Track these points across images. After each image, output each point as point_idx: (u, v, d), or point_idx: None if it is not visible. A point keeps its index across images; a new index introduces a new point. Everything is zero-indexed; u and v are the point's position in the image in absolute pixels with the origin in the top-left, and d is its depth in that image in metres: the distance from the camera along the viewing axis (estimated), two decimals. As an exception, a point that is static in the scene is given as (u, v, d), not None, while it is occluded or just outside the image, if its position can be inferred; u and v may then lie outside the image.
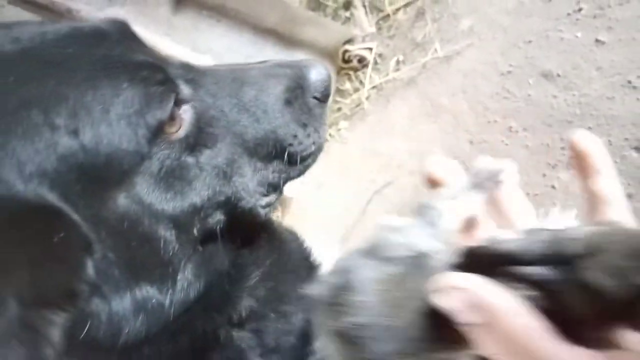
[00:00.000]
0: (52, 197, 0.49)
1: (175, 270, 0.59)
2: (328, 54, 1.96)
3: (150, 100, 0.54)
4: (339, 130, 1.94)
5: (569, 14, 1.54)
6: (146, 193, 0.54)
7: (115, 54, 0.55)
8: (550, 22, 1.57)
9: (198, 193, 0.59)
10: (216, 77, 0.65)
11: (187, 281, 0.60)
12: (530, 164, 1.44)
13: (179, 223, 0.57)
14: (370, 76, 1.93)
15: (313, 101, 0.69)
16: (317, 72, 0.69)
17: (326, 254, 0.89)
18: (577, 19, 1.52)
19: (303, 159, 0.69)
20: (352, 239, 1.71)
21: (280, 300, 0.74)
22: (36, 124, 0.48)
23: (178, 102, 0.58)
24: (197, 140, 0.59)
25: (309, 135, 0.68)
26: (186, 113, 0.59)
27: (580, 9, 1.53)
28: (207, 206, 0.60)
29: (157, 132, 0.54)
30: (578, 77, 1.46)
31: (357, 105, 1.93)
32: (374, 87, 1.92)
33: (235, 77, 0.65)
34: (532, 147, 1.45)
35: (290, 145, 0.67)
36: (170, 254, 0.58)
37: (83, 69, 0.52)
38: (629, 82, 1.38)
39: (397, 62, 1.89)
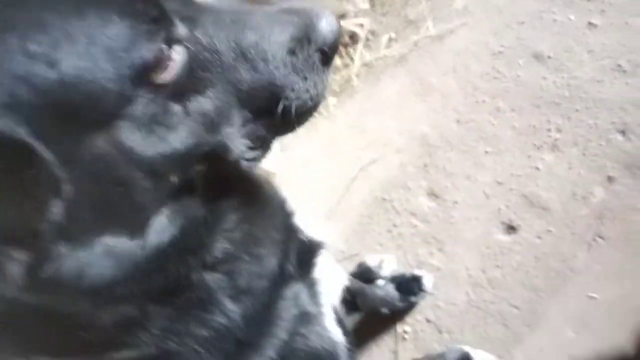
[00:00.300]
0: (23, 132, 0.45)
1: (149, 217, 0.56)
2: (320, 28, 1.93)
3: (139, 38, 0.49)
4: (327, 106, 1.92)
5: (563, -4, 1.53)
6: (126, 137, 0.51)
7: None
8: (545, 3, 1.56)
9: (182, 141, 0.55)
10: (216, 16, 0.59)
11: (161, 226, 0.58)
12: (516, 145, 1.43)
13: (158, 170, 0.55)
14: (361, 53, 1.91)
15: (318, 54, 0.63)
16: (328, 23, 0.63)
17: (310, 230, 0.88)
18: (571, 1, 1.51)
19: (298, 115, 0.64)
20: (337, 215, 1.69)
21: (255, 243, 0.73)
22: (11, 49, 0.45)
23: (170, 42, 0.53)
24: (187, 85, 0.55)
25: (307, 90, 0.64)
26: (178, 54, 0.54)
27: (574, -9, 1.52)
28: (190, 155, 0.57)
29: (144, 73, 0.50)
30: (569, 60, 1.45)
31: (347, 82, 1.90)
32: (364, 64, 1.89)
33: (236, 19, 0.60)
34: (518, 128, 1.44)
35: (287, 99, 0.63)
36: (146, 200, 0.55)
37: None
38: (619, 65, 1.37)
39: (389, 39, 1.86)
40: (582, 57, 1.43)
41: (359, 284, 1.40)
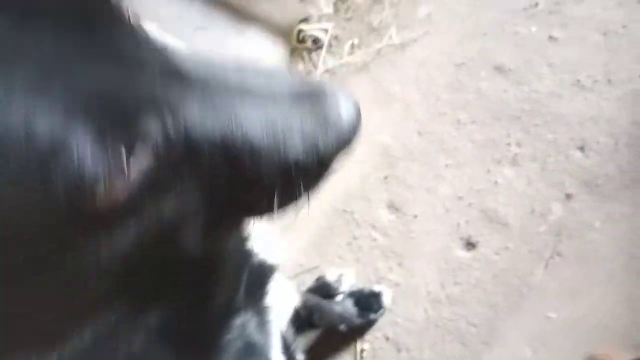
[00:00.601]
0: None
1: (69, 331, 0.46)
2: (282, 32, 1.89)
3: (84, 148, 0.33)
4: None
5: (525, 9, 1.52)
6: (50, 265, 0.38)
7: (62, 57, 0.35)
8: (507, 15, 1.54)
9: (122, 252, 0.42)
10: (204, 99, 0.43)
11: (86, 334, 0.46)
12: (476, 159, 1.41)
13: (83, 285, 0.43)
14: (325, 59, 1.87)
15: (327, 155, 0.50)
16: (349, 122, 0.49)
17: (268, 245, 0.83)
18: (533, 14, 1.50)
19: (280, 206, 0.52)
20: (297, 227, 1.66)
21: (202, 292, 0.65)
22: None
23: (132, 146, 0.37)
24: (147, 191, 0.40)
25: (299, 186, 0.51)
26: (140, 162, 0.38)
27: (537, 4, 1.50)
28: (135, 265, 0.44)
29: (86, 196, 0.35)
30: (530, 73, 1.44)
31: (310, 88, 1.87)
32: (327, 71, 1.85)
33: (231, 105, 0.45)
34: (479, 141, 1.42)
35: (271, 195, 0.51)
36: (66, 316, 0.45)
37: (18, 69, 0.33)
38: (578, 81, 1.36)
39: (352, 46, 1.83)
40: (542, 71, 1.42)
41: (317, 300, 1.36)
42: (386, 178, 1.52)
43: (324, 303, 1.36)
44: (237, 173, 0.47)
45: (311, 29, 1.89)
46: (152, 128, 0.39)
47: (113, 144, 0.35)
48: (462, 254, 1.34)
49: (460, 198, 1.39)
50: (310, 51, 1.91)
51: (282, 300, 0.89)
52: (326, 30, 1.89)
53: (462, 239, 1.35)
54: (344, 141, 0.50)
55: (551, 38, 1.44)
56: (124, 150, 0.36)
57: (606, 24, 1.37)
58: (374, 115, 1.65)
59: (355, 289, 1.41)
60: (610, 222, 1.23)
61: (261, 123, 0.46)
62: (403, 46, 1.69)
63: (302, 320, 1.29)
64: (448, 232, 1.38)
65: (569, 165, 1.31)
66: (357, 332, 1.37)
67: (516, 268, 1.28)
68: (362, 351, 1.35)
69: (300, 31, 1.90)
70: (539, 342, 1.22)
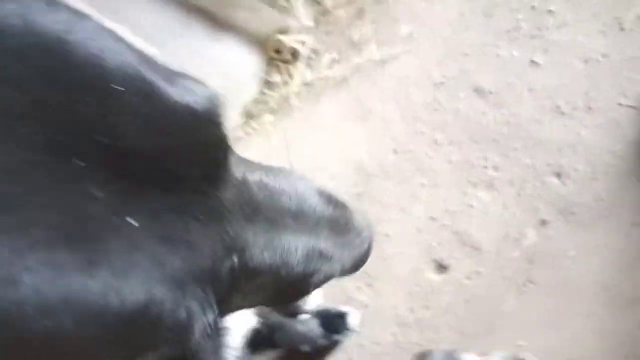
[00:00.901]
0: None
1: None
2: (259, 42, 1.85)
3: (184, 315, 0.35)
4: (262, 123, 1.83)
5: (507, 31, 1.51)
6: None
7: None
8: (489, 37, 1.53)
9: None
10: (269, 230, 0.45)
11: None
12: (452, 180, 1.38)
13: None
14: (302, 71, 1.83)
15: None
16: (367, 255, 0.61)
17: None
18: (515, 37, 1.49)
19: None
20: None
21: None
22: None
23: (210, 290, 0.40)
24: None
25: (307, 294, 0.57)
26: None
27: (519, 28, 1.49)
28: None
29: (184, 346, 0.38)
30: (510, 96, 1.42)
31: (285, 100, 1.82)
32: (304, 84, 1.81)
33: (287, 239, 0.47)
34: (455, 163, 1.39)
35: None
36: None
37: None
38: (558, 107, 1.35)
39: (332, 60, 1.79)
40: (522, 95, 1.41)
41: (279, 318, 1.30)
42: (359, 195, 1.48)
43: (287, 321, 1.29)
44: (266, 291, 0.49)
45: (289, 40, 1.85)
46: (227, 269, 0.40)
47: (203, 299, 0.37)
48: (433, 276, 1.30)
49: (434, 219, 1.35)
50: (287, 62, 1.86)
51: (238, 322, 0.85)
52: (304, 43, 1.85)
53: (433, 260, 1.31)
54: (358, 265, 0.58)
55: (532, 62, 1.43)
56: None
57: (587, 51, 1.37)
58: (351, 130, 1.62)
59: (321, 308, 1.35)
60: (585, 250, 1.21)
61: (303, 253, 0.49)
62: (383, 62, 1.67)
63: (262, 339, 1.23)
64: (420, 254, 1.33)
65: (544, 191, 1.29)
66: (320, 353, 1.31)
67: (488, 294, 1.24)
68: (325, 374, 1.29)
69: (277, 41, 1.86)
70: (508, 371, 1.18)
